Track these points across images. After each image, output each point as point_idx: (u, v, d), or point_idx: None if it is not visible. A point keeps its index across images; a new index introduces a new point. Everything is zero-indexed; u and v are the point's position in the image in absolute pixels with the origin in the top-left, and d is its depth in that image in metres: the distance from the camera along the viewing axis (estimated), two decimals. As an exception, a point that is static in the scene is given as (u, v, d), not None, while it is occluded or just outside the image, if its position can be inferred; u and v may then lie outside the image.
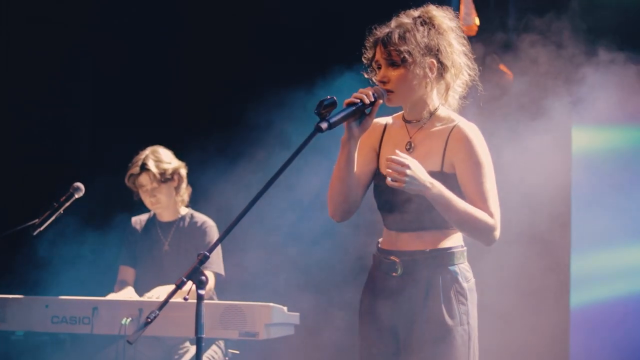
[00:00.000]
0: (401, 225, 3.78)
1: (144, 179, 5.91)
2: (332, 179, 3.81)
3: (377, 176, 3.87)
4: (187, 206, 6.09)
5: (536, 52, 5.95)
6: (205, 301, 3.52)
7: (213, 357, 5.53)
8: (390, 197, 3.76)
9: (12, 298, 5.34)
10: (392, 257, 3.79)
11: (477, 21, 6.32)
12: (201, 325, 3.43)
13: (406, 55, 3.66)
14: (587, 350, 6.48)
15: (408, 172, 3.51)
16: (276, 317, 5.17)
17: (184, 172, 6.01)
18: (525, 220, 6.08)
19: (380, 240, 3.90)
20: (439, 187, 3.58)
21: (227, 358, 5.57)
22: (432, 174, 3.65)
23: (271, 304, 5.15)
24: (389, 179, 3.53)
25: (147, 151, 5.98)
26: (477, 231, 3.65)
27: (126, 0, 7.20)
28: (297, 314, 5.43)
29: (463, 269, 3.78)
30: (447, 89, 3.76)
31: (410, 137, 3.80)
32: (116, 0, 7.23)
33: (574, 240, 6.46)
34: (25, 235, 5.34)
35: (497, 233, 3.68)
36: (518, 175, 5.72)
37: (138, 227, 6.08)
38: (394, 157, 3.54)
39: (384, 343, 3.81)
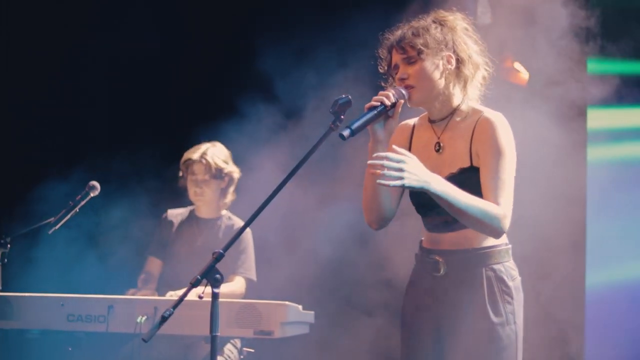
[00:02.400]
0: (440, 227, 3.72)
1: (198, 167, 5.96)
2: (364, 186, 3.76)
3: None
4: (227, 210, 6.12)
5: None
6: (221, 300, 3.52)
7: (229, 357, 5.54)
8: (425, 200, 3.65)
9: (28, 296, 5.35)
10: (435, 257, 3.72)
11: (492, 20, 6.29)
12: (216, 323, 3.44)
13: (422, 48, 3.63)
14: (603, 334, 6.44)
15: (404, 166, 3.38)
16: (291, 316, 5.18)
17: (236, 176, 6.05)
18: (540, 205, 6.07)
19: (422, 239, 3.83)
20: (440, 182, 3.47)
21: (242, 357, 5.57)
22: (463, 170, 3.62)
23: (287, 303, 5.16)
24: (380, 180, 3.37)
25: (209, 144, 6.05)
26: (482, 224, 3.53)
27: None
28: (312, 312, 5.44)
29: (508, 267, 3.70)
30: (466, 82, 3.70)
31: (438, 138, 3.74)
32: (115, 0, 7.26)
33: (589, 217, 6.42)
34: (41, 234, 5.36)
35: (506, 222, 3.55)
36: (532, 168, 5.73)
37: (174, 220, 6.11)
38: (388, 153, 3.40)
39: (428, 346, 3.73)
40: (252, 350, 5.61)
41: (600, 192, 6.39)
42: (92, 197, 5.39)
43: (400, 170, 3.37)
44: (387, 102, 3.58)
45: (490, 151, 3.58)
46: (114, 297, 5.31)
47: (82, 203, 5.34)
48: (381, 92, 3.61)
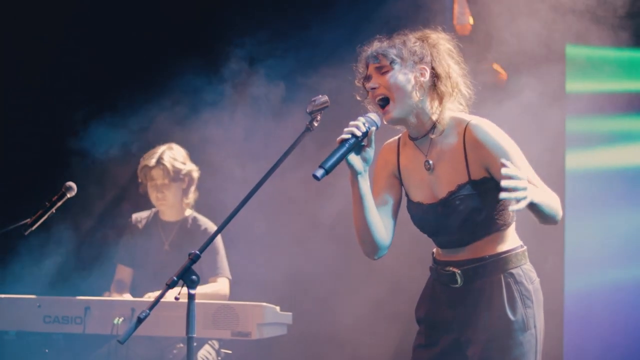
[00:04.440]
0: (451, 244, 3.66)
1: (156, 173, 5.92)
2: (353, 219, 3.66)
3: (410, 205, 3.73)
4: (190, 209, 6.09)
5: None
6: (197, 301, 3.51)
7: (207, 358, 5.52)
8: (430, 225, 3.65)
9: (4, 298, 5.33)
10: (451, 268, 3.65)
11: (471, 20, 6.30)
12: (192, 324, 3.42)
13: (395, 57, 3.56)
14: (581, 337, 6.45)
15: (526, 184, 3.26)
16: (268, 317, 5.17)
17: (196, 175, 6.02)
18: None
19: (434, 250, 3.77)
20: (536, 191, 3.36)
21: (219, 358, 5.56)
22: (461, 186, 3.55)
23: (263, 304, 5.15)
24: (515, 207, 3.22)
25: (165, 147, 6.00)
26: (556, 211, 3.45)
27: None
28: (290, 313, 5.42)
29: (526, 270, 3.63)
30: (442, 98, 3.60)
31: (426, 156, 3.65)
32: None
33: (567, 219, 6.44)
34: (17, 235, 5.32)
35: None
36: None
37: (139, 225, 6.07)
38: (514, 175, 3.23)
39: (447, 356, 3.66)
40: (230, 352, 5.60)
41: (579, 196, 6.39)
42: (68, 198, 5.35)
43: (525, 189, 3.24)
44: (358, 133, 3.49)
45: (501, 156, 3.44)
46: (91, 299, 5.30)
47: (59, 204, 5.30)
48: (351, 123, 3.52)
